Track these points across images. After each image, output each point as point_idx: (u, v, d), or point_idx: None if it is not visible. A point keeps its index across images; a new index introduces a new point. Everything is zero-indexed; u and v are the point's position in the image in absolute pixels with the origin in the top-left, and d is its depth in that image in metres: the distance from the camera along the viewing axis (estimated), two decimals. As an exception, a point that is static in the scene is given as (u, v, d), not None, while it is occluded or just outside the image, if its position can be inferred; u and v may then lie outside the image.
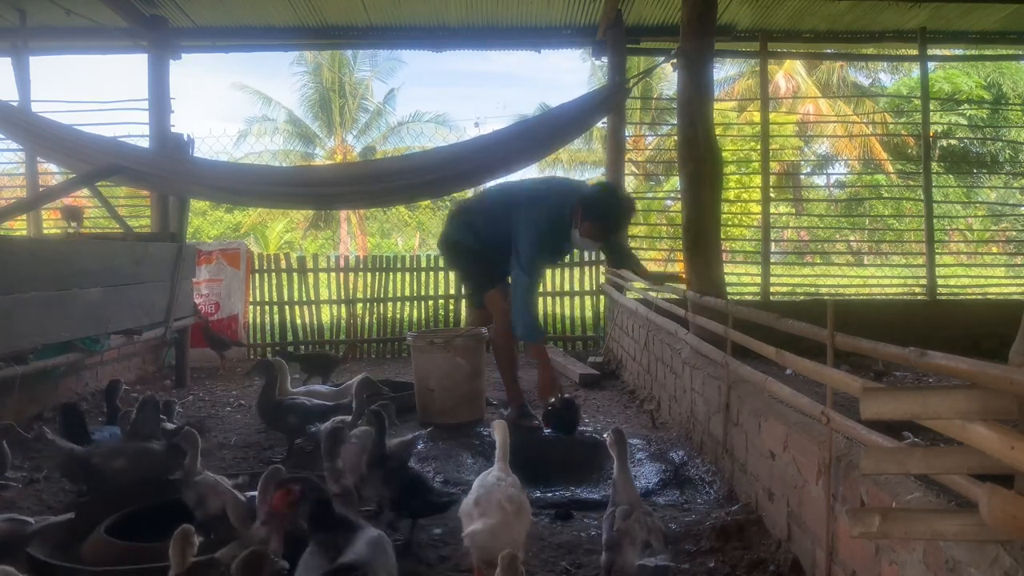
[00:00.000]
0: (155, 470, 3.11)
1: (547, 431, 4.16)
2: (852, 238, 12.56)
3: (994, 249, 13.12)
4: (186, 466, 2.73)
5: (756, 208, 8.90)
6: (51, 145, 4.95)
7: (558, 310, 8.05)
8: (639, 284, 6.28)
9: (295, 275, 7.92)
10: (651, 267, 5.98)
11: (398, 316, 7.98)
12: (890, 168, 17.31)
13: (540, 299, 7.99)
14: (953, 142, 15.97)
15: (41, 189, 6.99)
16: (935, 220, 7.76)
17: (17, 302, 3.78)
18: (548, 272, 7.54)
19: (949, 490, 1.70)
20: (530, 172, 6.89)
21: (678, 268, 8.44)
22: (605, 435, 2.56)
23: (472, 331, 4.58)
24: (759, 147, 7.81)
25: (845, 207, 11.67)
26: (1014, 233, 12.29)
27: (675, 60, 4.93)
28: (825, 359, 2.14)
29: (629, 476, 2.42)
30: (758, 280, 7.64)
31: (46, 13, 6.47)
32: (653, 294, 5.54)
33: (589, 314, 8.00)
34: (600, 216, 4.21)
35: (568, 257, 7.55)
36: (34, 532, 2.34)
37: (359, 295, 7.95)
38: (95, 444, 3.27)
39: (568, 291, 7.97)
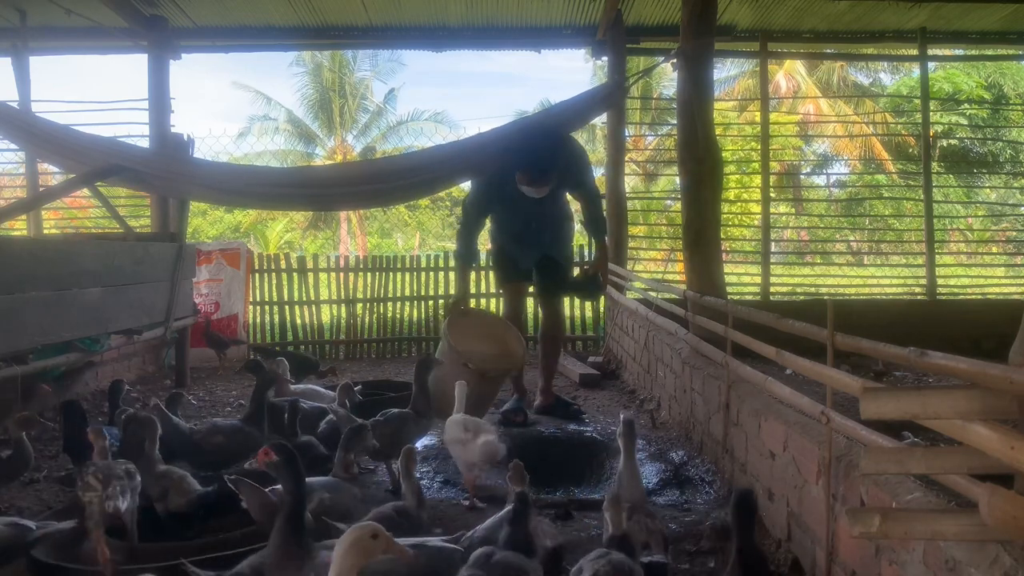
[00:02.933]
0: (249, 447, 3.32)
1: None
2: (852, 238, 12.56)
3: (994, 249, 13.11)
4: (145, 454, 2.74)
5: (756, 208, 8.90)
6: (51, 146, 4.95)
7: (558, 310, 8.04)
8: (639, 284, 6.28)
9: (295, 275, 7.92)
10: (651, 267, 5.95)
11: (398, 316, 7.98)
12: (892, 168, 17.29)
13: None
14: (953, 142, 15.96)
15: (41, 189, 6.99)
16: (935, 220, 7.76)
17: (17, 302, 3.77)
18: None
19: (949, 490, 1.70)
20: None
21: (678, 268, 8.45)
22: (617, 427, 2.65)
23: (509, 354, 4.43)
24: (759, 147, 7.81)
25: (845, 207, 11.67)
26: (1014, 233, 12.29)
27: (675, 60, 4.93)
28: (825, 359, 2.14)
29: (636, 470, 2.47)
30: (758, 280, 7.64)
31: (46, 13, 6.47)
32: (653, 294, 5.54)
33: (589, 314, 7.99)
34: (517, 162, 4.20)
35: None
36: (36, 539, 2.32)
37: (359, 295, 7.95)
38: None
39: (568, 291, 7.98)
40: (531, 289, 5.02)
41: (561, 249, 4.71)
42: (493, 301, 8.11)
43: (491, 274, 8.04)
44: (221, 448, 3.29)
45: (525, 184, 4.17)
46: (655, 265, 9.35)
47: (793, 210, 14.39)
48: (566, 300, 7.97)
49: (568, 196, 4.77)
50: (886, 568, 1.77)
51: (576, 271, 4.97)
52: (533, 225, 4.49)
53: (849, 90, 20.51)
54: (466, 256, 4.70)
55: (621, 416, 2.64)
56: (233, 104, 75.11)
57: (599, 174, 7.63)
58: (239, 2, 6.68)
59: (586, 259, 7.64)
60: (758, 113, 8.09)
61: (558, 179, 4.23)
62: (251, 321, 7.76)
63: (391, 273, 8.00)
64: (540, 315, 5.04)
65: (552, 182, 4.18)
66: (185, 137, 5.69)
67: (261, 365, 4.29)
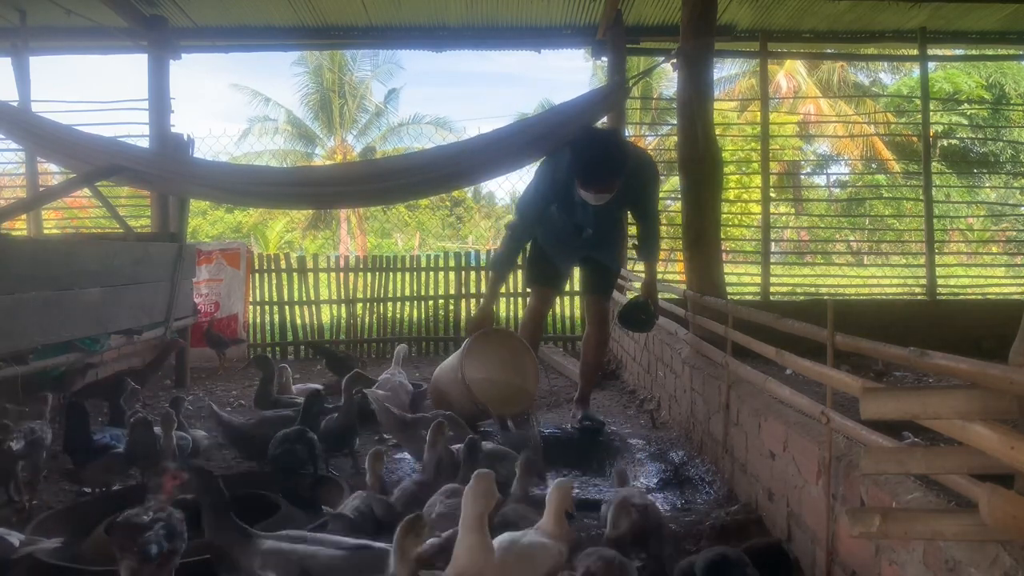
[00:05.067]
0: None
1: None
2: (852, 238, 12.55)
3: (994, 249, 13.11)
4: (161, 446, 2.78)
5: (756, 208, 8.89)
6: (51, 145, 4.95)
7: (558, 310, 8.04)
8: (639, 284, 6.26)
9: (295, 275, 7.92)
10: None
11: (398, 316, 7.98)
12: (896, 168, 17.28)
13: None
14: (954, 142, 15.95)
15: (41, 189, 6.99)
16: (935, 220, 7.75)
17: (17, 302, 3.77)
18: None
19: (949, 490, 1.70)
20: (531, 170, 6.90)
21: (678, 268, 8.44)
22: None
23: (521, 391, 4.30)
24: (759, 147, 7.80)
25: (845, 207, 11.66)
26: (1014, 233, 12.29)
27: (675, 60, 4.92)
28: (825, 359, 2.14)
29: None
30: (758, 280, 7.63)
31: (46, 13, 6.47)
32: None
33: (589, 314, 7.98)
34: (572, 163, 3.89)
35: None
36: (19, 558, 2.25)
37: (359, 295, 7.95)
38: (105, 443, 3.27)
39: (568, 291, 7.97)
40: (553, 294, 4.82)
41: (608, 253, 4.46)
42: (501, 302, 8.11)
43: (491, 274, 8.05)
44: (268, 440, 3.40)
45: (584, 188, 3.84)
46: (658, 263, 9.30)
47: (793, 210, 14.37)
48: (567, 300, 8.01)
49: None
50: (886, 568, 1.77)
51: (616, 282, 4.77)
52: (586, 232, 4.21)
53: (849, 90, 20.51)
54: (508, 264, 4.49)
55: (614, 470, 2.75)
56: (233, 104, 75.32)
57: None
58: (239, 2, 6.67)
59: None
60: (758, 113, 8.08)
61: (621, 189, 3.87)
62: (251, 321, 7.76)
63: (391, 273, 8.01)
64: (579, 319, 4.84)
65: (614, 191, 3.84)
66: (185, 137, 5.69)
67: (268, 360, 4.31)
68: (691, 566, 1.93)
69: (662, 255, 9.30)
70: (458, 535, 1.77)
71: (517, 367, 4.32)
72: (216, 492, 2.09)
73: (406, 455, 3.68)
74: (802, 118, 16.63)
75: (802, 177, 15.88)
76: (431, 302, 8.04)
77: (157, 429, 3.22)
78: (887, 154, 17.92)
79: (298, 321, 7.91)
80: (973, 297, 8.21)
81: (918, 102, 8.11)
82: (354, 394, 3.64)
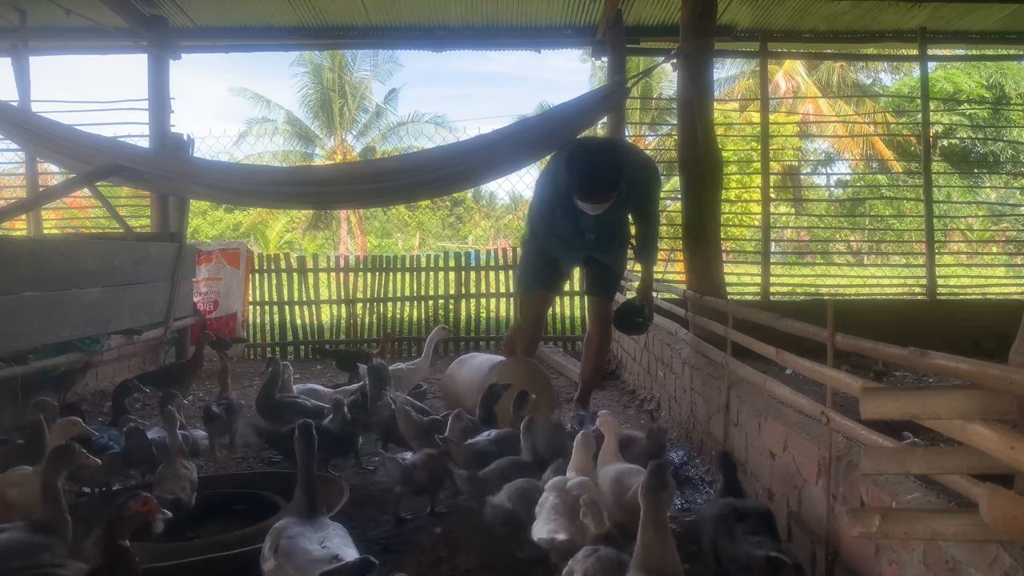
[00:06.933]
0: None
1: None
2: (852, 238, 12.54)
3: (994, 249, 13.10)
4: (169, 445, 2.88)
5: (756, 208, 8.88)
6: (51, 145, 4.95)
7: (558, 310, 8.05)
8: (638, 284, 6.27)
9: (295, 275, 7.93)
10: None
11: (398, 316, 7.98)
12: (898, 168, 17.26)
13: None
14: (954, 142, 15.94)
15: (41, 189, 6.98)
16: (935, 220, 7.74)
17: (17, 302, 3.77)
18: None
19: (949, 490, 1.70)
20: (531, 171, 6.89)
21: (678, 268, 8.44)
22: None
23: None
24: (759, 147, 7.80)
25: (845, 207, 11.66)
26: (1014, 233, 12.29)
27: (675, 60, 4.92)
28: (825, 359, 2.14)
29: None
30: (758, 280, 7.62)
31: (46, 13, 6.47)
32: (653, 294, 5.53)
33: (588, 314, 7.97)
34: (569, 177, 3.91)
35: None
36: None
37: (359, 295, 7.96)
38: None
39: (568, 291, 7.97)
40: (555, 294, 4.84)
41: (611, 254, 4.44)
42: (493, 302, 8.11)
43: (491, 275, 8.05)
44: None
45: (581, 200, 3.88)
46: (655, 265, 9.29)
47: (793, 210, 14.37)
48: (567, 300, 8.01)
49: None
50: (886, 568, 1.77)
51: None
52: (588, 235, 4.25)
53: (849, 90, 20.50)
54: (535, 281, 4.44)
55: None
56: (233, 104, 75.18)
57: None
58: (239, 2, 6.67)
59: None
60: (758, 113, 8.07)
61: (619, 196, 3.91)
62: (251, 321, 7.76)
63: (391, 273, 8.01)
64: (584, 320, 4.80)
65: (611, 201, 3.88)
66: (185, 137, 5.69)
67: (275, 360, 4.33)
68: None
69: (662, 255, 9.31)
70: (572, 456, 2.64)
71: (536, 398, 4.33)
72: (309, 474, 2.26)
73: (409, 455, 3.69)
74: (801, 118, 16.62)
75: (802, 177, 15.89)
76: (431, 302, 8.05)
77: (150, 434, 3.24)
78: (888, 153, 17.91)
79: (298, 321, 7.91)
80: (973, 297, 8.20)
81: (918, 102, 8.10)
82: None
